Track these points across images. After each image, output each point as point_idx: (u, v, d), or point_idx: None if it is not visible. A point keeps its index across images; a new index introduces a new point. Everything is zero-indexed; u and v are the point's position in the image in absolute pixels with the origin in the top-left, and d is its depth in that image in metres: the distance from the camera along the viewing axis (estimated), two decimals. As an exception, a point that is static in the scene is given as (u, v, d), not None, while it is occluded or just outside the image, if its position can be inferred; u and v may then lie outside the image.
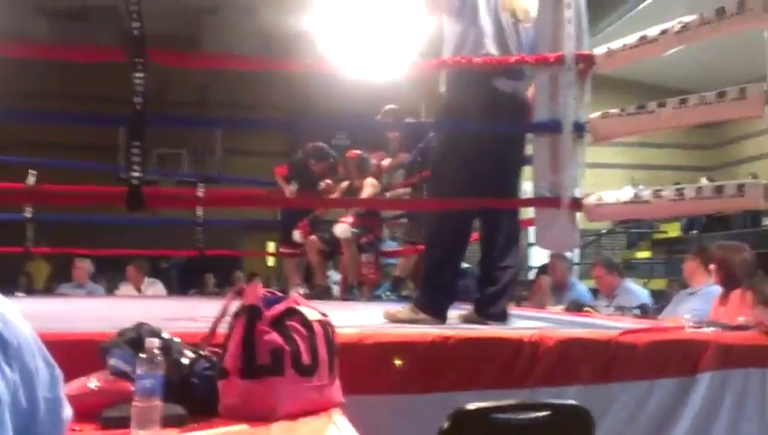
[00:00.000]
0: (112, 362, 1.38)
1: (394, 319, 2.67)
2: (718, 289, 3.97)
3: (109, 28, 9.08)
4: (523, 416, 1.45)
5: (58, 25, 9.89)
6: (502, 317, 2.73)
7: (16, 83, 10.34)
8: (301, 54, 7.46)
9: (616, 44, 2.86)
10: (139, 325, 1.46)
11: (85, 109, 10.31)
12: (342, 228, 5.20)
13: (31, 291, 6.84)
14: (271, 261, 11.06)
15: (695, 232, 11.21)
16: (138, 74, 2.37)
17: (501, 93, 2.73)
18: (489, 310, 2.73)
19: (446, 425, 1.38)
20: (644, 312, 4.06)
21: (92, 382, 1.33)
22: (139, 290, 6.33)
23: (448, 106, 2.89)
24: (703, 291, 4.12)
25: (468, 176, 2.70)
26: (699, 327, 2.52)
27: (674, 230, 11.92)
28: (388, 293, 5.57)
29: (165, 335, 1.44)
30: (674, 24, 2.66)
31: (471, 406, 1.41)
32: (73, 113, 9.30)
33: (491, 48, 2.70)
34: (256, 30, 9.89)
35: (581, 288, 5.39)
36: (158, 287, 6.64)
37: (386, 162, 5.65)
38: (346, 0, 8.24)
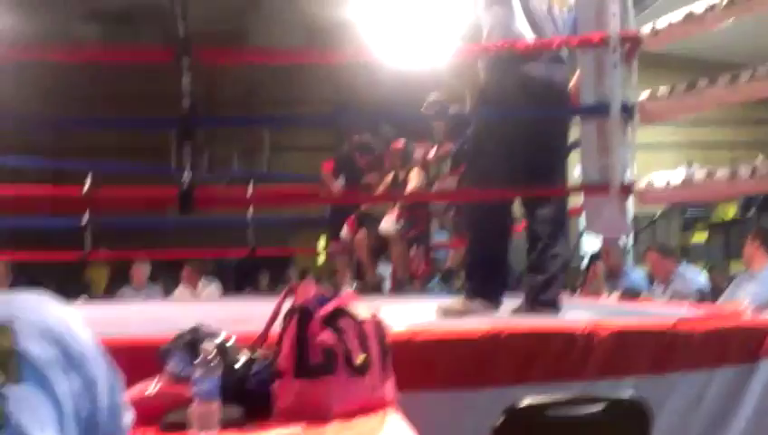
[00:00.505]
0: (171, 366, 1.42)
1: (448, 313, 2.68)
2: None
3: (155, 29, 9.27)
4: (578, 411, 1.43)
5: (108, 28, 10.13)
6: (553, 305, 2.68)
7: (66, 88, 10.66)
8: (344, 45, 7.46)
9: (662, 22, 2.78)
10: (196, 328, 1.50)
11: (135, 111, 10.54)
12: (387, 224, 5.19)
13: (91, 296, 7.02)
14: (322, 257, 11.15)
15: (752, 213, 10.87)
16: (185, 75, 2.41)
17: (532, 78, 2.68)
18: (540, 298, 2.68)
19: (499, 422, 1.38)
20: (701, 298, 3.96)
21: (152, 387, 1.37)
22: (194, 289, 6.44)
23: (483, 93, 2.88)
24: (763, 274, 3.99)
25: (502, 163, 2.68)
26: (759, 312, 2.45)
27: (731, 212, 11.57)
28: (440, 285, 5.56)
29: (221, 337, 1.47)
30: None
31: (524, 402, 1.41)
32: (123, 117, 9.51)
33: (520, 32, 2.66)
34: (299, 21, 9.97)
35: (636, 275, 5.29)
36: (214, 287, 6.75)
37: (432, 152, 5.62)
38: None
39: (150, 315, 3.58)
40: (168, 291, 6.89)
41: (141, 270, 6.46)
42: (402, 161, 5.50)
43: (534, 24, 2.68)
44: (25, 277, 6.30)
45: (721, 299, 4.11)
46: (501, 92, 2.74)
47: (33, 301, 0.89)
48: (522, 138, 2.68)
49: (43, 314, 0.87)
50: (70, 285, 8.45)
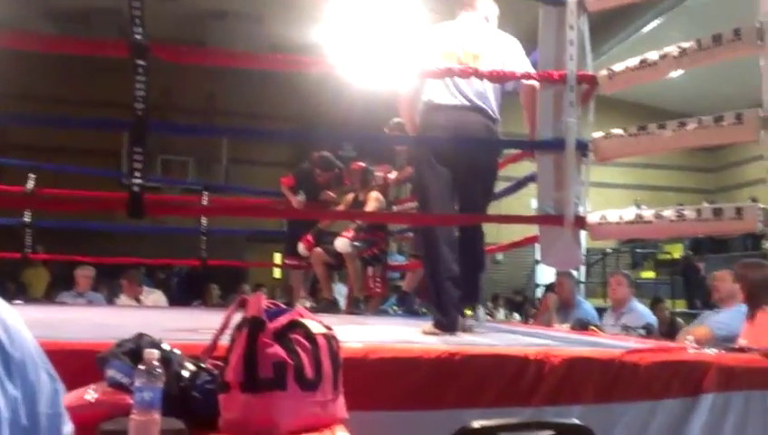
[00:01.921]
0: (110, 373, 1.36)
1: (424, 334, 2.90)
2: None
3: (112, 31, 9.08)
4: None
5: (62, 28, 9.86)
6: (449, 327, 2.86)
7: (18, 85, 10.39)
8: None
9: (618, 66, 2.96)
10: (139, 336, 1.44)
11: (88, 113, 10.33)
12: (342, 242, 5.15)
13: (28, 299, 6.74)
14: (277, 273, 11.03)
15: (697, 254, 11.23)
16: (140, 78, 2.36)
17: (438, 125, 3.10)
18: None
19: (450, 444, 1.35)
20: (649, 332, 4.02)
21: (90, 394, 1.31)
22: (137, 300, 6.23)
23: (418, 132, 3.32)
24: (732, 309, 4.05)
25: (419, 194, 3.23)
26: (701, 348, 2.50)
27: (677, 251, 11.91)
28: (394, 307, 5.53)
29: (165, 347, 1.42)
30: (673, 48, 2.75)
31: (475, 424, 1.39)
32: (76, 117, 9.27)
33: (432, 96, 3.12)
34: (264, 39, 9.84)
35: (588, 307, 5.35)
36: (158, 297, 6.55)
37: (392, 175, 5.63)
38: (353, 11, 8.28)
39: (91, 321, 3.46)
40: (112, 298, 6.69)
41: (85, 275, 6.26)
42: (361, 183, 5.49)
43: (448, 86, 3.09)
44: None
45: (683, 330, 4.16)
46: (422, 133, 3.20)
47: None
48: (431, 172, 3.09)
49: None
50: (6, 288, 8.16)
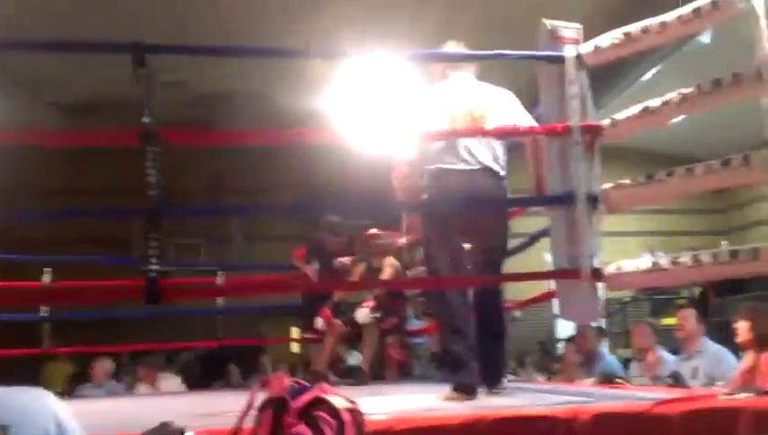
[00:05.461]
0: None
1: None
2: None
3: (122, 121, 9.22)
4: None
5: (71, 119, 10.03)
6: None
7: (24, 179, 10.56)
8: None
9: (620, 115, 2.96)
10: (163, 425, 1.43)
11: (95, 203, 10.44)
12: (363, 314, 5.12)
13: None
14: (295, 347, 10.93)
15: (718, 296, 11.07)
16: (151, 164, 2.42)
17: (447, 182, 3.10)
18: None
19: None
20: (676, 380, 3.92)
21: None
22: (155, 387, 6.12)
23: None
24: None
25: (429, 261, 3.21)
26: (732, 393, 2.44)
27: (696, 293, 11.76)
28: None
29: (189, 434, 1.41)
30: (674, 95, 2.76)
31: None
32: (88, 208, 9.36)
33: (443, 157, 3.12)
34: (269, 113, 10.00)
35: (611, 359, 5.24)
36: (174, 382, 6.43)
37: (402, 240, 5.62)
38: (360, 78, 8.44)
39: (112, 412, 3.43)
40: (132, 387, 6.61)
41: (101, 366, 6.18)
42: (374, 248, 5.48)
43: (453, 146, 3.10)
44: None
45: None
46: (431, 195, 3.17)
47: (36, 400, 0.88)
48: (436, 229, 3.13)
49: (45, 417, 0.86)
50: (25, 383, 8.08)
